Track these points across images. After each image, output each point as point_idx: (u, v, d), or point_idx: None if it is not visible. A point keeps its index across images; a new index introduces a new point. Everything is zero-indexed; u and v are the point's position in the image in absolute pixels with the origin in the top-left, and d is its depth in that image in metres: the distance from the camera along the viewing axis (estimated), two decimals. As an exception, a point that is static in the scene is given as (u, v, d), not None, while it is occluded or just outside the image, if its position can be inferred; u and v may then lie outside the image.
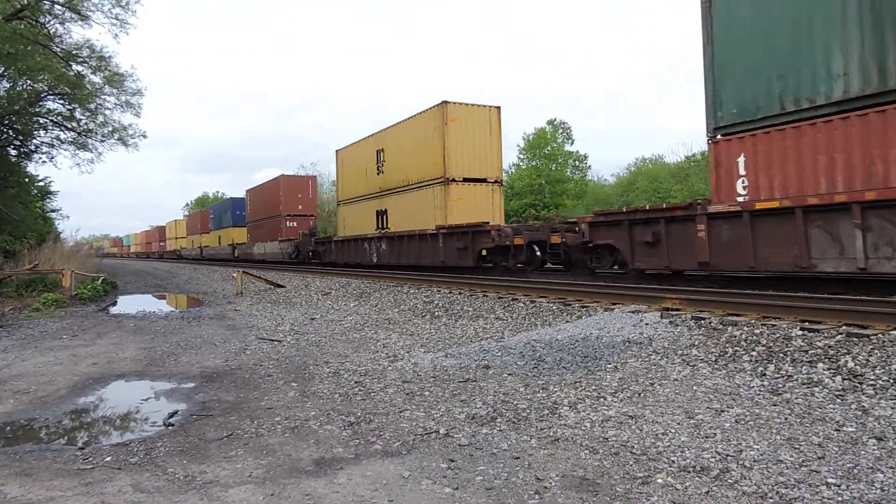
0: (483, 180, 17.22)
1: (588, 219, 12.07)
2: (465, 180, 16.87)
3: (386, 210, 20.15)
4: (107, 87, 22.75)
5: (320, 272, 21.28)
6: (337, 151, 24.32)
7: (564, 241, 13.05)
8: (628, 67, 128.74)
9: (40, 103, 22.82)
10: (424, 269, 17.44)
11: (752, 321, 6.55)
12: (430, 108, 17.38)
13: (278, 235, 30.49)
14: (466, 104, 16.99)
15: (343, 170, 24.12)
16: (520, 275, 14.13)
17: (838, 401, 4.38)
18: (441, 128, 16.68)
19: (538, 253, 14.53)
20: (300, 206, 31.76)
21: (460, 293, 11.83)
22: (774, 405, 4.38)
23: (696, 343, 6.21)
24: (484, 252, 14.96)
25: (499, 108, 17.43)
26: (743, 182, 9.34)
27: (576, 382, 5.31)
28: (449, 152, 16.58)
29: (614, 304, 8.77)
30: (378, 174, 20.67)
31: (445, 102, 16.63)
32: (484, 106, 17.30)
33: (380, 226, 20.47)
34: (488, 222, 15.67)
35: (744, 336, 6.08)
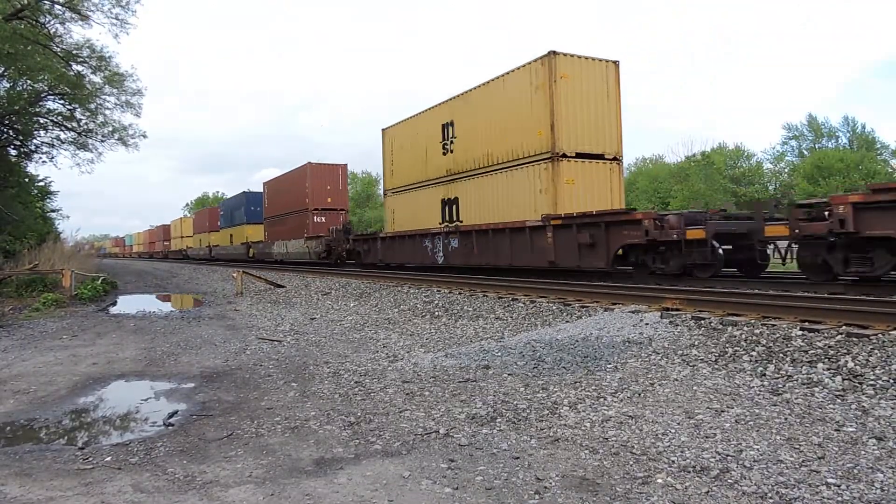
0: (600, 157, 13.42)
1: (854, 198, 8.04)
2: (579, 156, 13.12)
3: (456, 199, 16.36)
4: (107, 87, 22.78)
5: (321, 272, 21.22)
6: (384, 131, 20.51)
7: (798, 232, 8.69)
8: (628, 67, 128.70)
9: (40, 103, 22.84)
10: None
11: (752, 321, 6.55)
12: (529, 63, 13.58)
13: (304, 232, 27.01)
14: (579, 56, 13.29)
15: (393, 152, 19.91)
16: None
17: (838, 401, 4.38)
18: (547, 87, 12.89)
19: (720, 251, 10.23)
20: (329, 199, 27.52)
21: (460, 293, 11.83)
22: (774, 405, 4.38)
23: (696, 343, 6.21)
24: (620, 251, 11.37)
25: (617, 62, 13.74)
26: None
27: (576, 382, 5.31)
28: (559, 119, 12.78)
29: (614, 304, 8.77)
30: (445, 154, 16.72)
31: (554, 53, 12.88)
32: (600, 60, 13.58)
33: (447, 218, 16.70)
34: (635, 209, 12.38)
35: (744, 336, 6.08)
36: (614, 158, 13.75)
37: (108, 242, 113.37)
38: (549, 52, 12.98)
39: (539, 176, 13.34)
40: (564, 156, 13.00)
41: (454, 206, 16.57)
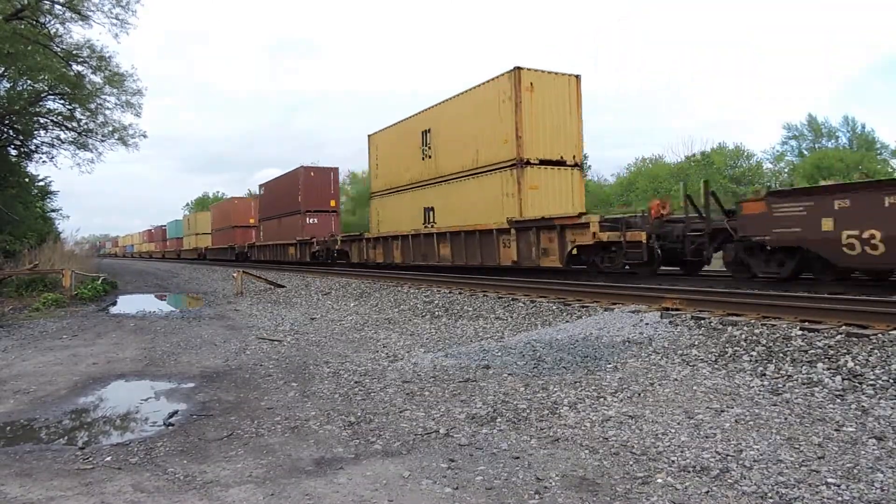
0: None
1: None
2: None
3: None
4: (107, 87, 22.79)
5: (320, 272, 21.18)
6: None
7: None
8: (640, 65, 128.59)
9: (40, 103, 22.85)
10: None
11: (752, 321, 6.55)
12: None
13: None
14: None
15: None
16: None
17: (838, 401, 4.39)
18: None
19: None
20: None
21: (460, 293, 11.83)
22: (774, 405, 4.38)
23: (696, 343, 6.21)
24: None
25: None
26: None
27: (576, 382, 5.31)
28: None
29: (614, 304, 8.77)
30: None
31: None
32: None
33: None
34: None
35: (744, 336, 6.08)
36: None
37: (135, 237, 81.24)
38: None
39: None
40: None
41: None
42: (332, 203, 28.32)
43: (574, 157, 14.62)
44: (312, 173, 27.91)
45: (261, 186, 34.43)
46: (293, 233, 27.27)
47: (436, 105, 17.20)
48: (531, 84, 13.98)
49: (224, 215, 40.19)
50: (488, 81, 14.79)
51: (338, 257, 23.82)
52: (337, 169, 28.80)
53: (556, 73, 14.39)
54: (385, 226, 20.50)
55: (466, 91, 15.77)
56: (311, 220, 27.17)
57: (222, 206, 43.26)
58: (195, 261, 42.78)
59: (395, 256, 18.80)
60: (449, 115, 16.56)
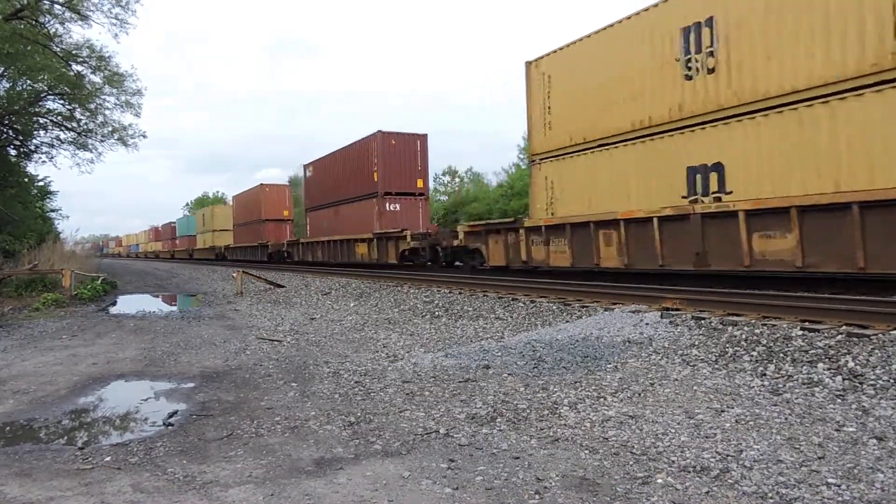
0: None
1: None
2: None
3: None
4: (107, 87, 22.76)
5: (321, 272, 21.17)
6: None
7: None
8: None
9: (40, 103, 22.83)
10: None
11: (753, 321, 6.55)
12: None
13: None
14: None
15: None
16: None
17: (838, 401, 4.38)
18: None
19: None
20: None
21: (460, 293, 11.83)
22: (775, 405, 4.38)
23: (697, 343, 6.21)
24: None
25: None
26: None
27: (576, 382, 5.31)
28: None
29: (614, 304, 8.77)
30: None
31: None
32: None
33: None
34: None
35: (744, 336, 6.08)
36: None
37: (139, 236, 73.56)
38: None
39: None
40: None
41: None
42: (420, 183, 20.31)
43: None
44: (394, 141, 20.04)
45: (306, 167, 26.62)
46: (363, 224, 20.26)
47: None
48: None
49: (251, 207, 32.92)
50: None
51: (448, 258, 16.08)
52: (426, 136, 20.54)
53: None
54: (568, 205, 12.30)
55: None
56: (391, 207, 19.72)
57: (248, 195, 34.54)
58: (210, 261, 37.30)
59: (601, 257, 11.02)
60: None
